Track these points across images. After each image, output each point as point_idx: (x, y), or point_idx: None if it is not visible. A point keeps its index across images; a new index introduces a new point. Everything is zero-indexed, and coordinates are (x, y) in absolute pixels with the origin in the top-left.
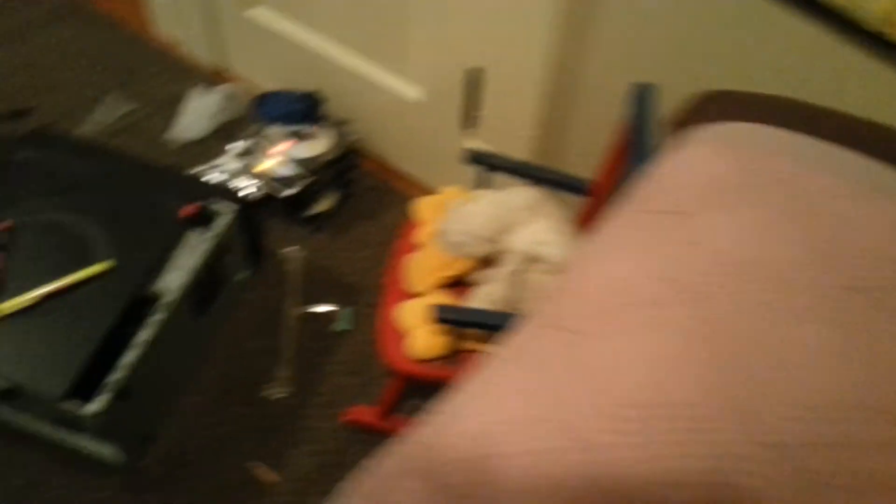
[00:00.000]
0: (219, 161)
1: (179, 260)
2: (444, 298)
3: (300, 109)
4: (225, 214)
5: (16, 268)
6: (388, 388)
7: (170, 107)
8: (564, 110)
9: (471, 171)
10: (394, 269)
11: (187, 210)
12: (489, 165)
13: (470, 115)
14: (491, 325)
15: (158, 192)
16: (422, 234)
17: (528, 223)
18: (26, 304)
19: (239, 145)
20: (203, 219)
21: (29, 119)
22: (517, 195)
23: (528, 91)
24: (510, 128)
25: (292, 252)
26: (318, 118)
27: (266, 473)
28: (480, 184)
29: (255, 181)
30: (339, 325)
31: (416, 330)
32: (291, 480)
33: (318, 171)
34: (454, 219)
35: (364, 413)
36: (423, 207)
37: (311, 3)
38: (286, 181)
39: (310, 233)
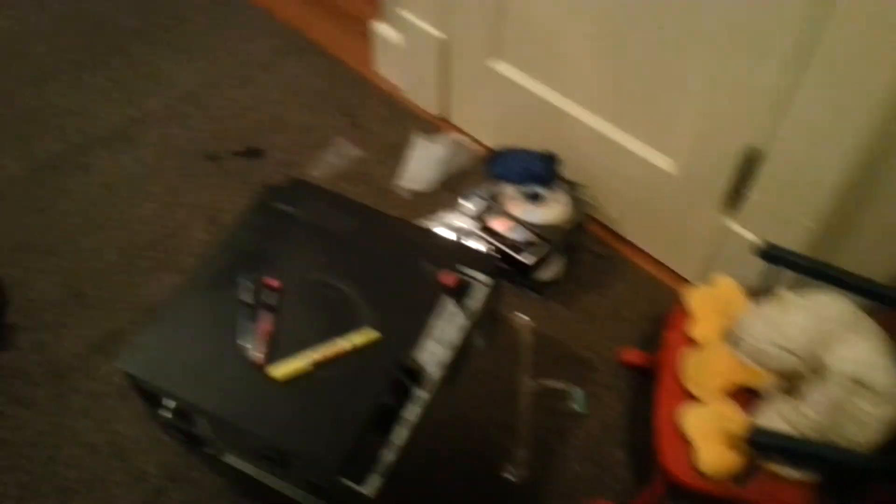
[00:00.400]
0: (447, 216)
1: (437, 331)
2: (733, 408)
3: (537, 170)
4: (483, 287)
5: (282, 330)
6: (650, 492)
7: (394, 154)
8: (857, 206)
9: (727, 258)
10: (668, 363)
11: (447, 278)
12: (786, 263)
13: (735, 195)
14: (809, 455)
15: (417, 254)
16: (699, 329)
17: (846, 340)
18: (301, 371)
19: (471, 202)
20: (461, 289)
21: (262, 159)
22: (832, 306)
23: (819, 181)
24: (783, 216)
25: (524, 321)
26: (554, 180)
27: None
28: (766, 282)
29: (486, 243)
30: (574, 407)
31: (706, 441)
32: None
33: (552, 237)
34: (758, 324)
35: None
36: (698, 300)
37: (560, 66)
38: (519, 246)
39: (539, 301)
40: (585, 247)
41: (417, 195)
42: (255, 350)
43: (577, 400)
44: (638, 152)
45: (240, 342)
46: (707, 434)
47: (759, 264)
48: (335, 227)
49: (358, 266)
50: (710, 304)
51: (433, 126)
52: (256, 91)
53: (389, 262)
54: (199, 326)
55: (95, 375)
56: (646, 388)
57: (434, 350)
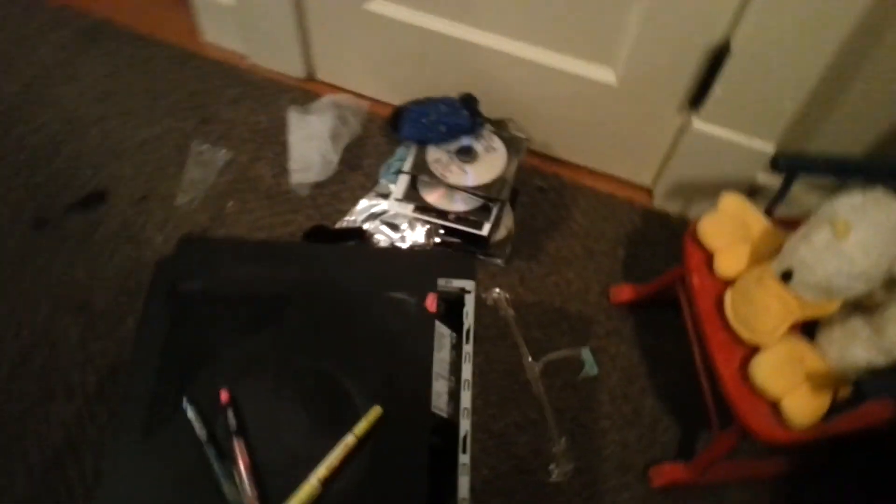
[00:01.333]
0: (369, 207)
1: (439, 366)
2: (802, 346)
3: (460, 121)
4: (468, 291)
5: (262, 453)
6: (717, 446)
7: (269, 143)
8: (835, 85)
9: (689, 157)
10: (707, 313)
11: (430, 304)
12: (804, 168)
13: (698, 94)
14: None
15: (380, 288)
16: (724, 264)
17: None
18: (311, 498)
19: (390, 179)
20: (452, 307)
21: (107, 204)
22: (885, 208)
23: (797, 63)
24: (755, 106)
25: (498, 297)
26: (477, 126)
27: None
28: (778, 197)
29: (427, 225)
30: (587, 372)
31: (787, 392)
32: None
33: (500, 194)
34: (813, 254)
35: (677, 472)
36: (710, 230)
37: None
38: (469, 217)
39: (503, 267)
40: (527, 184)
41: (318, 188)
42: (246, 496)
43: (588, 362)
44: (573, 70)
45: (226, 492)
46: (786, 384)
47: (728, 157)
48: (262, 287)
49: (316, 328)
50: (726, 231)
51: (304, 93)
52: (66, 110)
53: (353, 310)
54: (164, 490)
55: None
56: (650, 321)
57: (442, 390)
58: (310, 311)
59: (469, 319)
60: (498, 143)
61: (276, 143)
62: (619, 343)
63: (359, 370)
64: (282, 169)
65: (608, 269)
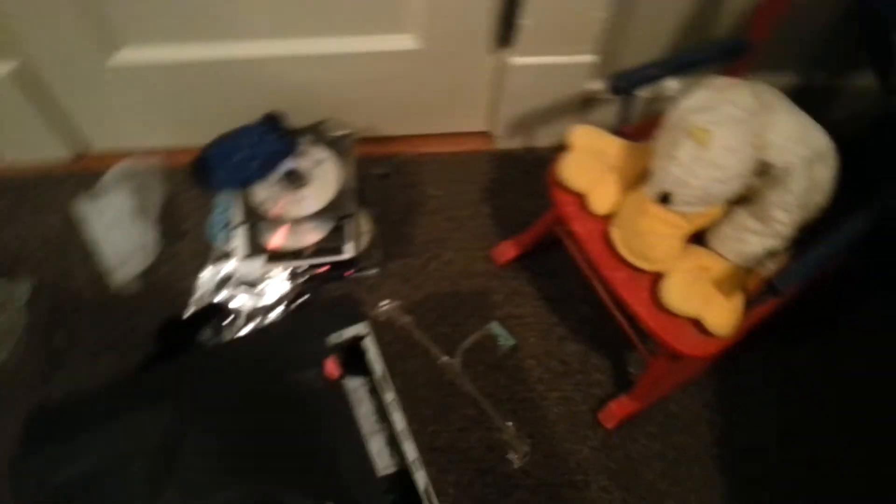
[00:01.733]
0: (214, 276)
1: (366, 419)
2: (704, 256)
3: (274, 147)
4: (365, 335)
5: None
6: (652, 372)
7: (69, 247)
8: None
9: (516, 92)
10: (599, 258)
11: (332, 370)
12: (644, 80)
13: (506, 30)
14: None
15: (270, 374)
16: (597, 201)
17: (773, 128)
18: None
19: (224, 236)
20: (353, 361)
21: None
22: (730, 104)
23: None
24: (566, 25)
25: (390, 308)
26: (293, 144)
27: None
28: (618, 117)
29: (288, 271)
30: (504, 345)
31: (705, 306)
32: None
33: (347, 208)
34: (682, 169)
35: (624, 407)
36: (571, 171)
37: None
38: (327, 247)
39: (380, 274)
40: (368, 177)
41: (147, 276)
42: None
43: (501, 336)
44: (372, 48)
45: None
46: (700, 299)
47: (554, 79)
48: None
49: (223, 454)
50: (587, 167)
51: (85, 175)
52: None
53: (254, 416)
54: None
55: None
56: (543, 268)
57: (380, 445)
58: (208, 439)
59: (378, 365)
60: (323, 153)
61: (78, 245)
62: (521, 303)
63: (291, 475)
64: (97, 273)
65: (482, 233)
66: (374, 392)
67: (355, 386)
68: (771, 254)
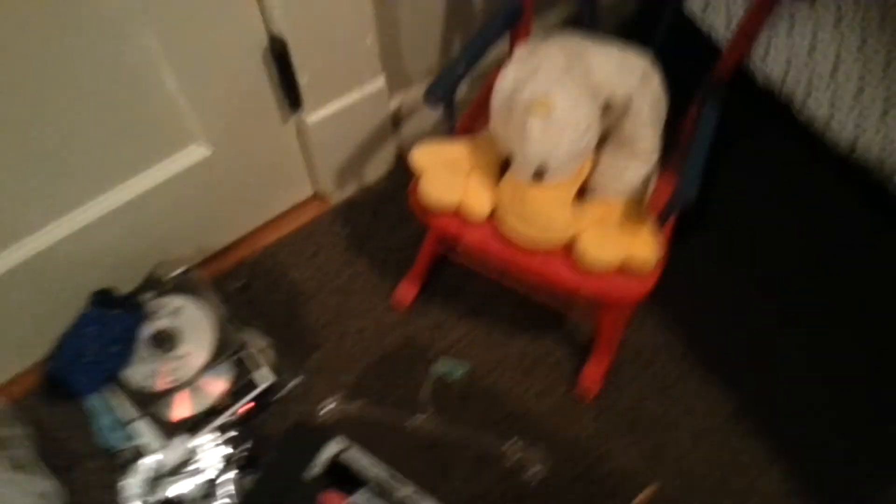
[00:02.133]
0: (136, 480)
1: None
2: (592, 210)
3: (121, 326)
4: (343, 450)
5: None
6: (607, 329)
7: None
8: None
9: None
10: (503, 256)
11: (331, 499)
12: (460, 79)
13: (290, 95)
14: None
15: None
16: (474, 208)
17: (599, 70)
18: None
19: (123, 443)
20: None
21: None
22: (550, 58)
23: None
24: (341, 68)
25: (332, 409)
26: (139, 309)
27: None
28: (447, 124)
29: (215, 432)
30: (459, 376)
31: (630, 251)
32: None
33: (234, 343)
34: (542, 149)
35: (595, 372)
36: (434, 194)
37: None
38: (240, 388)
39: (304, 378)
40: (231, 296)
41: None
42: None
43: (452, 368)
44: (164, 176)
45: None
46: (618, 243)
47: (356, 117)
48: None
49: None
50: (445, 182)
51: None
52: None
53: None
54: None
55: None
56: (449, 289)
57: None
58: None
59: (376, 468)
60: (175, 299)
61: None
62: (449, 329)
63: None
64: None
65: (372, 287)
66: (382, 495)
67: (363, 500)
68: (647, 178)
